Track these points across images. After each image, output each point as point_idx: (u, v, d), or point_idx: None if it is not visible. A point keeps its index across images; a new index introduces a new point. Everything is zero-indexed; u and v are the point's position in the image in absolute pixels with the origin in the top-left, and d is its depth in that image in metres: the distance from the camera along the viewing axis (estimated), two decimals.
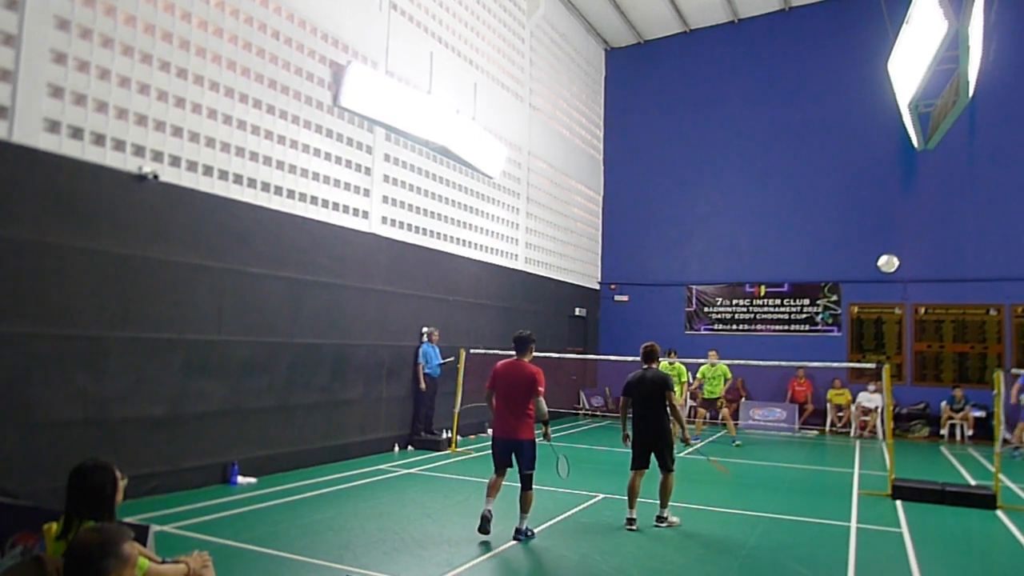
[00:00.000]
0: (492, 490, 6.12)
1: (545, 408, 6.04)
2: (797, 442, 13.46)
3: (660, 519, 6.56)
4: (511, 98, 14.22)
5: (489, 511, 5.97)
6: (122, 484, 2.99)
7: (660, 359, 7.03)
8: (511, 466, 6.19)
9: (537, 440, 6.18)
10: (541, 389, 6.03)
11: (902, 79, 10.15)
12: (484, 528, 5.90)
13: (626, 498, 6.54)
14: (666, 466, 6.62)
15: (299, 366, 8.82)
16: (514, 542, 5.90)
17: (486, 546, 5.77)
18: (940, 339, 14.95)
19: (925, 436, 14.18)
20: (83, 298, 6.40)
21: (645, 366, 6.88)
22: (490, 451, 6.30)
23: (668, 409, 6.68)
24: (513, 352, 6.33)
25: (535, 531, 6.14)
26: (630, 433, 6.81)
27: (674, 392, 6.82)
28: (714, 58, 17.49)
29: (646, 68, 18.36)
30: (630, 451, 6.73)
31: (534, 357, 6.36)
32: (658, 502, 6.64)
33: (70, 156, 6.34)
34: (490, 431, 7.00)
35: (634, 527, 6.41)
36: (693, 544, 6.03)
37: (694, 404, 13.91)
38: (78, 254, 6.36)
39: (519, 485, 6.04)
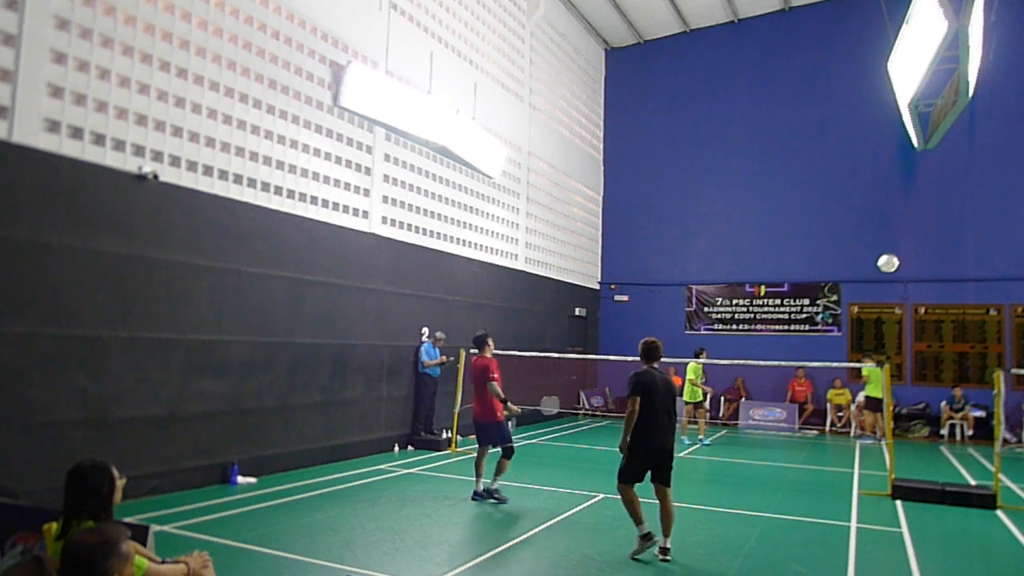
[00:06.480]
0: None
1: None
2: (797, 442, 13.45)
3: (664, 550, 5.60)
4: (511, 98, 14.22)
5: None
6: (120, 484, 2.98)
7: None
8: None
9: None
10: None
11: (902, 79, 10.16)
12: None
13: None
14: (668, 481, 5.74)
15: (299, 366, 8.82)
16: (514, 541, 5.90)
17: (486, 546, 5.77)
18: (940, 339, 14.95)
19: (925, 436, 14.18)
20: (83, 298, 6.40)
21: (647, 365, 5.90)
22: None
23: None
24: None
25: (528, 534, 6.03)
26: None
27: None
28: (714, 58, 17.49)
29: (646, 68, 18.36)
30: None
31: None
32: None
33: (70, 156, 6.34)
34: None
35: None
36: (693, 544, 6.03)
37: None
38: (78, 254, 6.36)
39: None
